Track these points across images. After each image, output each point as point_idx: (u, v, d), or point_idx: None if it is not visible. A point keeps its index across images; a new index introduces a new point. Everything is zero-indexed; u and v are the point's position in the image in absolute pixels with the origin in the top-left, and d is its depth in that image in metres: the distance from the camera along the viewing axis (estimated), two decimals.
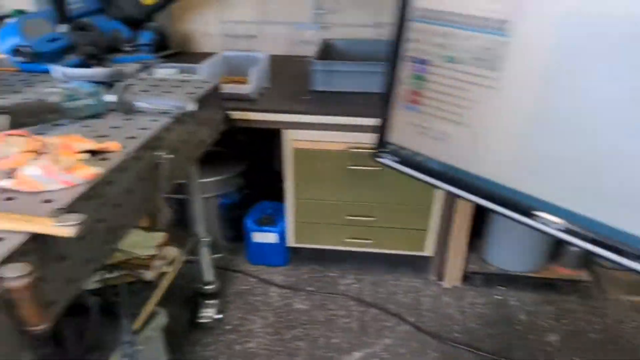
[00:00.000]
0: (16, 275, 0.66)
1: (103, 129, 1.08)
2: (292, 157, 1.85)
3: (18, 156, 0.86)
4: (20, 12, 1.82)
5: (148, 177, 1.08)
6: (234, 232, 2.28)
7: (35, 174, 0.85)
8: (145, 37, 1.74)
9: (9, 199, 0.82)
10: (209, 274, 1.87)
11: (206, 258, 1.82)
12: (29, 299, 0.69)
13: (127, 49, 1.54)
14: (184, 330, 1.84)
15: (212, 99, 1.40)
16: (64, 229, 0.74)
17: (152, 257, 1.54)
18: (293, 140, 1.81)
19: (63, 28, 1.38)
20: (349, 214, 1.98)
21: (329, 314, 1.98)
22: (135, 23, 1.71)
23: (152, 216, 1.43)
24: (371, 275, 2.19)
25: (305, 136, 1.79)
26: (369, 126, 1.70)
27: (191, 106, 1.13)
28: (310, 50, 2.24)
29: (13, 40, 1.31)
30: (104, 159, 0.96)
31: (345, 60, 1.88)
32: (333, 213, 1.98)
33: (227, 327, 1.90)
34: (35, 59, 1.32)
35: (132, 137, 1.05)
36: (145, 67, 1.44)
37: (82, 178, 0.88)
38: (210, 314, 1.88)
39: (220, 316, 1.91)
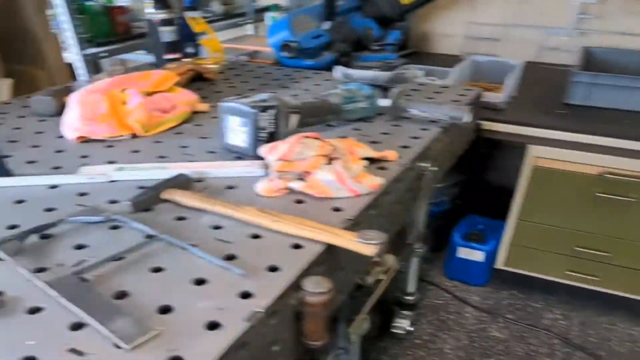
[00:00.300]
0: (318, 290, 0.62)
1: (374, 133, 1.04)
2: (530, 175, 1.67)
3: (313, 159, 0.84)
4: (276, 7, 1.91)
5: (413, 188, 1.02)
6: (435, 242, 2.18)
7: (328, 180, 0.83)
8: (392, 36, 1.70)
9: (299, 202, 0.81)
10: (412, 284, 1.80)
11: (415, 269, 1.75)
12: (321, 314, 0.66)
13: (375, 47, 1.50)
14: (375, 337, 1.79)
15: (473, 108, 1.30)
16: (367, 247, 0.69)
17: (374, 263, 1.50)
18: (536, 157, 1.62)
19: (327, 25, 1.38)
20: (580, 245, 1.73)
21: (529, 349, 1.78)
22: (387, 22, 1.67)
23: None
24: (581, 313, 1.93)
25: (551, 154, 1.59)
26: (634, 151, 1.46)
27: (467, 117, 1.03)
28: (560, 58, 2.05)
29: (282, 35, 1.35)
30: (381, 168, 0.92)
31: (607, 72, 1.62)
32: (560, 241, 1.76)
33: (417, 342, 1.81)
34: (299, 55, 1.34)
35: (405, 147, 0.99)
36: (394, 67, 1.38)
37: (368, 187, 0.84)
38: (403, 325, 1.81)
39: (412, 329, 1.83)
